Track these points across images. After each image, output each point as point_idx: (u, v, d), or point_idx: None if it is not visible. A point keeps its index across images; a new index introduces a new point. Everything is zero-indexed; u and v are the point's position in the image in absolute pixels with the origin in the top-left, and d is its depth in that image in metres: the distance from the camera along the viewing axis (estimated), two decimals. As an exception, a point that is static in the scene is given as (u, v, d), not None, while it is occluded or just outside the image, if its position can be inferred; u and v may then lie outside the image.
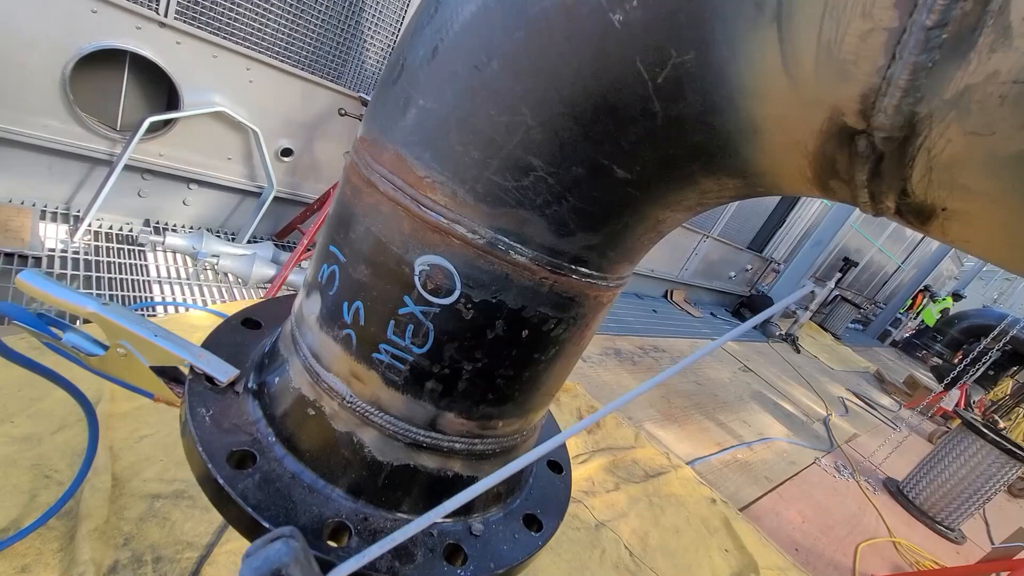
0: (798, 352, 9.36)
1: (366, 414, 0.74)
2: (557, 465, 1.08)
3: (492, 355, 0.70)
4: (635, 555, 2.63)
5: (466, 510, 0.83)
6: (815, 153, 0.44)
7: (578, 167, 0.57)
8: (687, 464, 3.71)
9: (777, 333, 9.48)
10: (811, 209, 9.86)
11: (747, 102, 0.44)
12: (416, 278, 0.66)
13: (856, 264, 12.01)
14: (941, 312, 14.68)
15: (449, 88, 0.60)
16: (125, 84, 2.90)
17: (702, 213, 0.70)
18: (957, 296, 16.18)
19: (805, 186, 0.51)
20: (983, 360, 6.55)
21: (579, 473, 3.03)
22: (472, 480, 0.82)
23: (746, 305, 9.69)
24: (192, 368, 0.83)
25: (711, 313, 8.92)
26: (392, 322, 0.69)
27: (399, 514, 0.77)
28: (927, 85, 0.33)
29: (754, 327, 9.13)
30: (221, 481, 0.69)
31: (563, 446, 1.18)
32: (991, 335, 7.00)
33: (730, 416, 5.15)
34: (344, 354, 0.74)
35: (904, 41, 0.33)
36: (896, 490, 5.18)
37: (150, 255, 3.17)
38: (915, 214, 0.43)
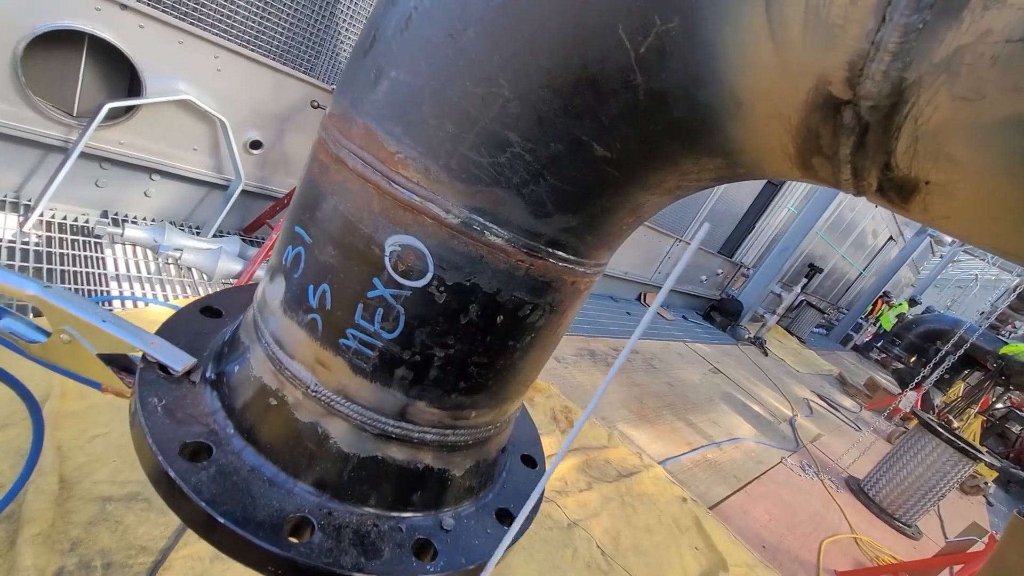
0: (766, 355, 9.59)
1: (331, 403, 0.70)
2: (531, 459, 1.06)
3: (465, 341, 0.68)
4: (607, 554, 2.63)
5: (437, 504, 0.80)
6: (799, 127, 0.43)
7: (557, 143, 0.55)
8: (659, 464, 3.74)
9: (746, 336, 9.70)
10: (779, 216, 10.14)
11: (731, 72, 0.43)
12: (386, 259, 0.63)
13: (821, 270, 12.42)
14: (897, 316, 15.29)
15: (423, 58, 0.57)
16: (83, 67, 2.76)
17: (682, 198, 0.69)
18: (913, 302, 16.88)
19: (786, 165, 0.50)
20: (942, 363, 6.82)
21: (552, 473, 3.02)
22: (443, 473, 0.79)
23: (716, 308, 9.88)
24: (144, 356, 0.78)
25: (683, 316, 9.07)
26: (360, 306, 0.66)
27: (366, 508, 0.74)
28: (917, 48, 0.33)
29: (723, 330, 9.25)
30: (173, 474, 0.64)
31: (538, 442, 1.16)
32: (951, 340, 7.32)
33: (700, 416, 5.22)
34: (309, 340, 0.70)
35: (895, 2, 0.32)
36: (857, 488, 5.34)
37: (108, 248, 3.02)
38: (897, 190, 0.42)
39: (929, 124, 0.35)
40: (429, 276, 0.63)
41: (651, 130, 0.52)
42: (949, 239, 16.41)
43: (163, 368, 0.78)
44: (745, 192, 8.98)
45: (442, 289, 0.64)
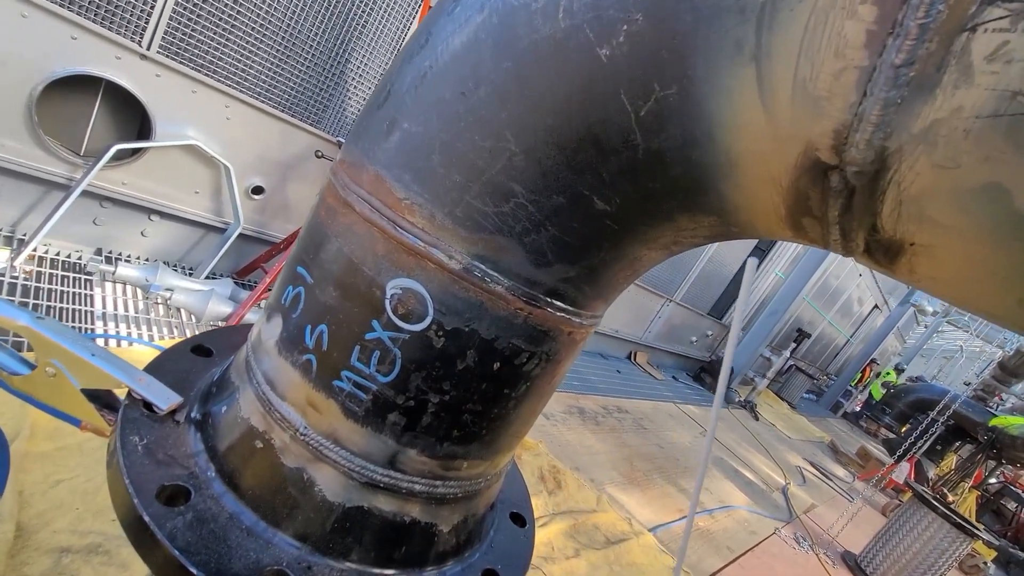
0: (756, 419, 9.48)
1: (320, 448, 0.68)
2: (520, 518, 1.02)
3: (461, 387, 0.67)
4: (594, 629, 2.47)
5: (421, 562, 0.76)
6: (789, 188, 0.46)
7: (559, 196, 0.58)
8: (649, 531, 3.59)
9: (736, 399, 9.61)
10: (767, 280, 10.34)
11: (725, 136, 0.46)
12: (387, 302, 0.64)
13: (809, 335, 12.52)
14: (884, 385, 15.29)
15: (435, 113, 0.60)
16: (96, 110, 2.85)
17: (677, 253, 0.71)
18: (899, 370, 16.96)
19: (778, 225, 0.52)
20: (929, 434, 6.77)
21: (539, 537, 2.89)
22: (430, 527, 0.76)
23: (707, 370, 9.85)
24: (130, 393, 0.76)
25: (673, 376, 9.01)
26: (357, 347, 0.66)
27: (347, 563, 0.70)
28: (896, 120, 0.35)
29: (713, 392, 9.18)
30: (147, 518, 0.61)
31: (528, 499, 1.12)
32: (937, 409, 7.31)
33: (691, 482, 5.08)
34: (302, 381, 0.69)
35: (875, 79, 0.35)
36: (854, 564, 5.14)
37: (97, 286, 2.99)
38: (884, 251, 0.44)
39: (911, 189, 0.37)
40: (428, 320, 0.63)
41: (650, 187, 0.55)
42: (931, 309, 16.74)
43: (148, 406, 0.76)
44: (734, 255, 9.20)
45: (440, 334, 0.64)
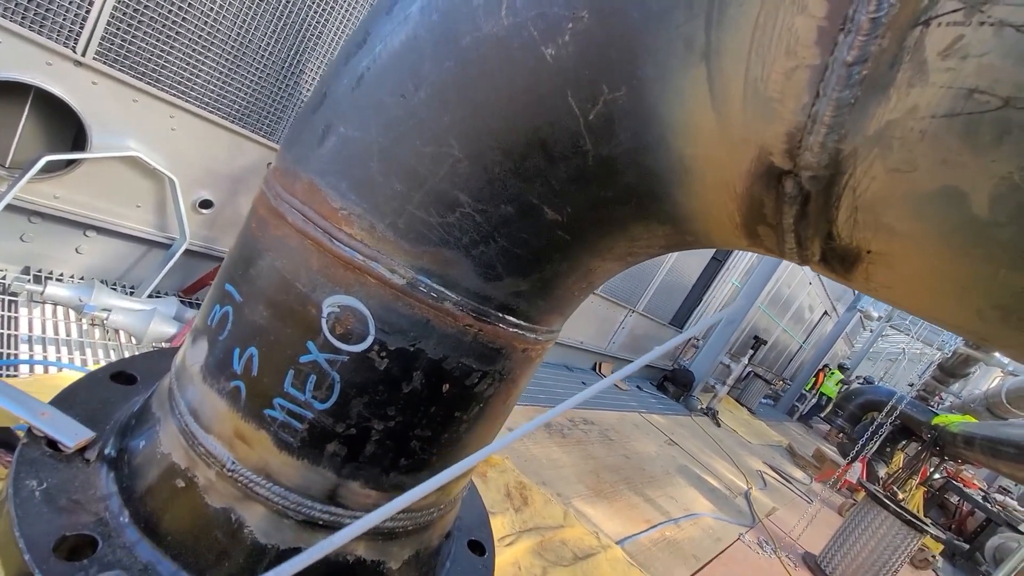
0: (718, 425, 9.68)
1: (250, 485, 0.62)
2: (479, 545, 0.96)
3: (407, 412, 0.62)
4: (563, 651, 2.41)
5: (367, 604, 0.69)
6: (743, 195, 0.44)
7: (507, 205, 0.54)
8: (617, 543, 3.56)
9: (699, 407, 9.80)
10: (724, 290, 10.66)
11: (678, 141, 0.44)
12: (323, 321, 0.59)
13: (765, 342, 12.95)
14: (839, 384, 15.97)
15: (373, 116, 0.56)
16: (24, 119, 2.66)
17: (633, 265, 0.69)
18: (842, 368, 17.80)
19: (734, 233, 0.50)
20: (878, 434, 7.08)
21: (506, 556, 2.81)
22: (378, 566, 0.70)
23: (669, 379, 10.01)
24: (30, 430, 0.67)
25: (637, 386, 9.11)
26: (291, 372, 0.60)
27: (281, 613, 0.63)
28: (850, 121, 0.34)
29: (677, 400, 9.33)
30: (39, 577, 0.53)
31: (487, 523, 1.07)
32: (884, 411, 7.67)
33: (657, 491, 5.10)
34: (229, 411, 0.62)
35: (827, 78, 0.33)
36: (815, 565, 5.26)
37: (23, 307, 2.77)
38: (840, 260, 0.42)
39: (867, 194, 0.36)
40: (370, 340, 0.58)
41: (601, 195, 0.52)
42: (876, 314, 17.65)
43: (52, 444, 0.67)
44: (691, 267, 9.45)
45: (383, 355, 0.59)
